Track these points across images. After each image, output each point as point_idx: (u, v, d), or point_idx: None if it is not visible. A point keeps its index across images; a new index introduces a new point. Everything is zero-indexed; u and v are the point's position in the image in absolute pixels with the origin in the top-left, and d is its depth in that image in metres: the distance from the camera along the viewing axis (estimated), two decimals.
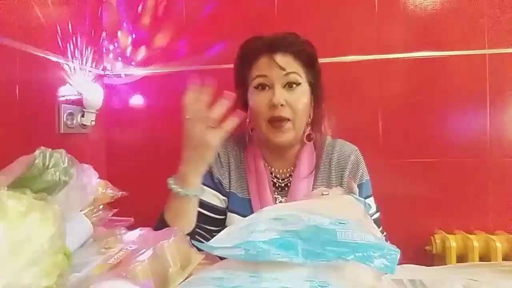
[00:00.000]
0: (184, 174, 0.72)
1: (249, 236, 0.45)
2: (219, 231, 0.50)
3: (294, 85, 0.83)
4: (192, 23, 1.40)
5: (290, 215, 0.47)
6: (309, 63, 0.87)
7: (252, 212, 0.83)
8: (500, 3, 1.22)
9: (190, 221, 0.75)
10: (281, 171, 0.91)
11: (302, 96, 0.84)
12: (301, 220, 0.46)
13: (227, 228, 0.52)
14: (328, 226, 0.44)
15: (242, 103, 0.91)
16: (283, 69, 0.82)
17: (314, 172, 0.89)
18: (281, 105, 0.81)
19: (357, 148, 0.94)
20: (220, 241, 0.47)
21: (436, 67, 1.26)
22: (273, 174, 0.91)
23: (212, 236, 0.49)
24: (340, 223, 0.45)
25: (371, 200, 0.90)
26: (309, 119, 0.89)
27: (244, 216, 0.84)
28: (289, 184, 0.89)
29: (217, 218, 0.88)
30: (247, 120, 0.90)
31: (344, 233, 0.43)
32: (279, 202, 0.88)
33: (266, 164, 0.91)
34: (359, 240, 0.42)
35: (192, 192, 0.72)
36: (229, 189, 0.91)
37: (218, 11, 1.38)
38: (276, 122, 0.82)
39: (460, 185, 1.25)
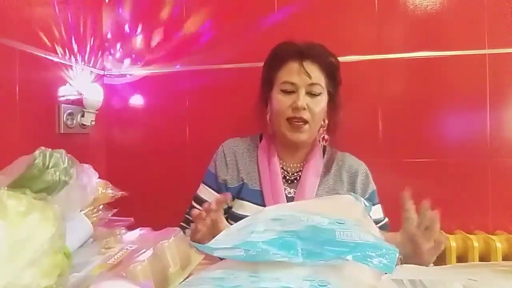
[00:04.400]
0: None
1: (248, 236, 0.45)
2: None
3: (315, 95, 0.92)
4: (192, 23, 1.40)
5: (289, 216, 0.47)
6: (332, 74, 0.96)
7: (263, 202, 0.93)
8: (500, 3, 1.22)
9: None
10: (291, 165, 1.00)
11: (320, 103, 0.93)
12: (300, 220, 0.46)
13: (226, 229, 0.52)
14: (327, 226, 0.44)
15: (263, 100, 1.00)
16: (310, 76, 0.91)
17: (323, 172, 0.98)
18: (304, 108, 0.90)
19: (363, 162, 1.02)
20: (219, 242, 0.47)
21: (436, 67, 1.26)
22: (284, 168, 0.99)
23: None
24: (339, 223, 0.45)
25: (378, 208, 0.97)
26: (323, 124, 0.98)
27: (256, 204, 0.93)
28: (298, 178, 0.97)
29: None
30: (268, 115, 0.98)
31: (343, 233, 0.43)
32: (288, 193, 0.95)
33: (278, 158, 0.99)
34: (358, 239, 0.42)
35: None
36: (242, 181, 0.98)
37: (218, 11, 1.38)
38: (296, 122, 0.91)
39: (460, 185, 1.25)
